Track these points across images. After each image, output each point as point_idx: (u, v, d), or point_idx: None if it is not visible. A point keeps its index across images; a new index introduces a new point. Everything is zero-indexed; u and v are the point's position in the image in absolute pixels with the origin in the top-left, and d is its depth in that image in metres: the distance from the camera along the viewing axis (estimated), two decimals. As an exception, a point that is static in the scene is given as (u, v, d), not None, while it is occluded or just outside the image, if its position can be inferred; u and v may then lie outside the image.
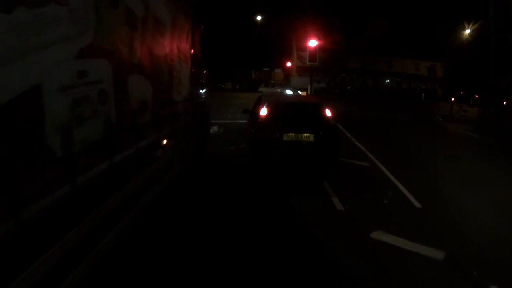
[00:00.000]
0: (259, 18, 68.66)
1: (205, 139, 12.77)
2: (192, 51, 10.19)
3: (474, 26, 55.15)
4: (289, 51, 76.33)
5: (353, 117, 26.45)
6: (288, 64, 76.73)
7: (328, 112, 10.81)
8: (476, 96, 38.15)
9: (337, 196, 9.41)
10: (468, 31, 57.05)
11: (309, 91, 23.35)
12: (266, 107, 10.68)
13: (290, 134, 10.01)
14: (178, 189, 8.89)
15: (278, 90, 49.59)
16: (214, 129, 18.75)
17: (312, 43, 21.07)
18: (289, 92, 21.80)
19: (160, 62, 7.18)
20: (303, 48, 65.39)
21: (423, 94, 56.25)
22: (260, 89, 51.63)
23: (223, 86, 69.85)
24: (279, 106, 11.04)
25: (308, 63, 21.83)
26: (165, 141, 7.91)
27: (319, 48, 21.75)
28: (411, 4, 62.70)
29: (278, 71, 78.94)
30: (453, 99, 29.98)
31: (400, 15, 63.71)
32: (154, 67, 6.69)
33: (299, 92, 25.31)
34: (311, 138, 10.05)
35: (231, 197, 9.31)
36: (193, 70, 10.11)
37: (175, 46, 8.23)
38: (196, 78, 10.85)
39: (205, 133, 12.89)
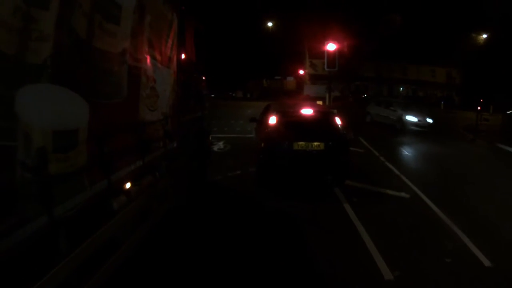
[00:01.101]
0: (270, 24, 66.07)
1: (203, 164, 10.54)
2: (182, 54, 8.09)
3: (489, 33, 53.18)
4: (302, 59, 74.18)
5: (374, 130, 24.02)
6: (301, 72, 74.31)
7: (338, 121, 10.65)
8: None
9: (380, 254, 6.78)
10: (484, 36, 54.96)
11: (327, 101, 20.45)
12: (275, 115, 10.44)
13: (300, 143, 9.85)
14: (153, 250, 6.33)
15: None
16: (219, 145, 16.36)
17: (331, 47, 18.36)
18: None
19: (108, 62, 4.71)
20: (316, 55, 64.86)
21: (442, 102, 53.15)
22: None
23: (234, 94, 68.57)
24: (288, 114, 10.74)
25: (326, 69, 18.86)
26: (128, 185, 5.45)
27: (338, 53, 18.86)
28: (427, 9, 60.25)
29: (290, 79, 76.79)
30: (479, 107, 27.11)
31: (415, 20, 61.36)
32: (91, 70, 4.32)
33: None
34: (321, 147, 9.90)
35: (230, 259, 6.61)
36: (181, 77, 7.92)
37: (145, 41, 5.85)
38: (188, 88, 8.77)
39: (204, 157, 10.62)
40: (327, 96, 20.62)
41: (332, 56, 18.90)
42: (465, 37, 57.12)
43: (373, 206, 9.31)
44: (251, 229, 7.87)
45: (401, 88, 72.46)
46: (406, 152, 17.00)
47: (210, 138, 11.97)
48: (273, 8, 67.31)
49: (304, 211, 8.80)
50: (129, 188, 5.42)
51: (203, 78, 10.70)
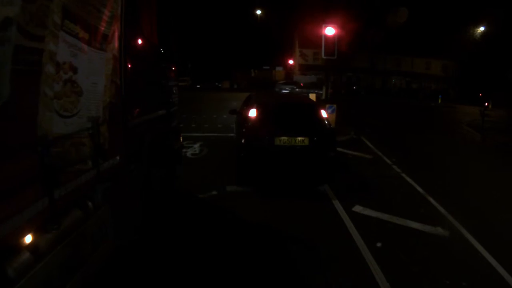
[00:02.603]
0: (258, 12, 63.33)
1: (168, 179, 8.23)
2: (134, 32, 5.87)
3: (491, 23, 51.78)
4: (291, 49, 71.98)
5: (376, 129, 21.17)
6: (290, 62, 72.08)
7: (324, 114, 10.10)
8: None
9: None
10: (482, 28, 53.48)
11: (323, 94, 17.67)
12: (255, 107, 9.77)
13: (283, 138, 9.11)
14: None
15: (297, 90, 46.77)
16: (195, 149, 13.43)
17: (329, 31, 15.60)
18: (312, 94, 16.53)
19: None
20: (307, 44, 62.82)
21: (440, 96, 51.30)
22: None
23: (220, 85, 67.00)
24: (270, 106, 10.09)
25: (323, 57, 16.10)
26: (31, 236, 3.47)
27: (338, 38, 16.10)
28: (424, 1, 58.34)
29: (279, 69, 74.77)
30: (486, 104, 26.72)
31: (411, 12, 59.51)
32: None
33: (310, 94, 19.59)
34: (306, 142, 9.17)
35: None
36: (130, 64, 5.53)
37: (53, 6, 3.70)
38: (145, 79, 6.49)
39: (170, 168, 8.33)
40: (323, 88, 17.72)
41: (331, 42, 16.21)
42: (462, 30, 55.73)
43: (402, 253, 6.44)
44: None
45: (393, 80, 70.49)
46: (419, 159, 14.18)
47: (181, 140, 9.40)
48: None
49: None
50: (35, 239, 3.47)
51: (172, 66, 8.06)
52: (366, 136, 17.12)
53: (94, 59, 4.45)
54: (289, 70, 73.74)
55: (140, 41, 6.11)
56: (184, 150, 12.64)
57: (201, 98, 39.24)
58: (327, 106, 16.38)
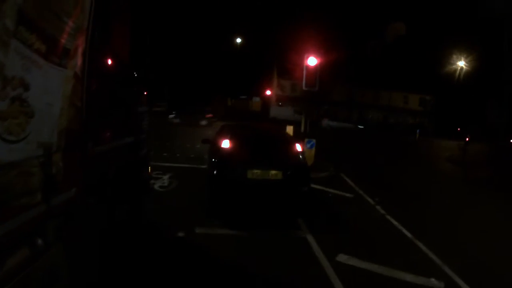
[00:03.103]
0: (238, 40, 63.30)
1: (135, 213, 7.53)
2: (103, 49, 5.24)
3: (469, 58, 52.57)
4: (269, 79, 71.90)
5: (355, 164, 20.62)
6: (268, 92, 71.96)
7: (298, 147, 9.91)
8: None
9: None
10: (462, 63, 54.24)
11: (302, 126, 17.07)
12: (228, 138, 9.55)
13: (256, 171, 8.87)
14: None
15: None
16: (164, 181, 12.47)
17: (311, 61, 15.10)
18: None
19: None
20: (285, 75, 62.81)
21: (418, 131, 51.69)
22: None
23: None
24: (243, 138, 9.97)
25: (304, 88, 15.61)
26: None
27: (320, 69, 15.61)
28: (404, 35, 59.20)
29: (256, 99, 74.54)
30: (467, 138, 26.91)
31: (391, 45, 60.37)
32: None
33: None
34: (279, 176, 8.95)
35: None
36: (94, 84, 4.80)
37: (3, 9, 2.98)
38: (112, 102, 5.85)
39: (136, 201, 7.59)
40: (302, 120, 17.11)
41: (312, 72, 15.61)
42: (440, 64, 56.31)
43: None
44: None
45: (369, 116, 70.79)
46: (403, 198, 13.41)
47: (150, 170, 8.54)
48: (241, 24, 65.06)
49: None
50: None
51: (144, 90, 7.41)
52: (346, 173, 16.40)
53: (51, 76, 3.82)
54: (266, 100, 73.27)
55: (108, 60, 5.46)
56: (152, 181, 11.80)
57: (175, 125, 38.51)
58: (305, 140, 15.74)
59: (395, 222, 9.94)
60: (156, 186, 11.63)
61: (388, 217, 10.40)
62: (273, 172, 8.94)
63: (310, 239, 8.18)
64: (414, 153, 30.86)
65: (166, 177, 12.87)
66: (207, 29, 64.17)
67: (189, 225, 8.33)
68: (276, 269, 6.76)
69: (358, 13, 58.87)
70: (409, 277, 6.71)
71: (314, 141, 15.90)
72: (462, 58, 52.76)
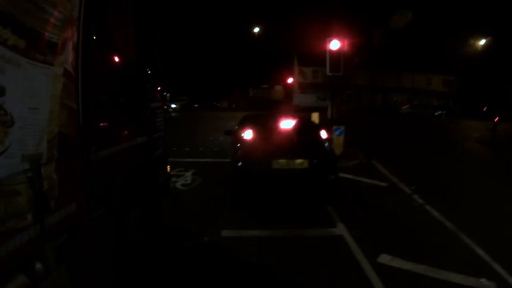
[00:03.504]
0: (257, 30, 62.43)
1: (149, 225, 6.78)
2: (101, 43, 4.64)
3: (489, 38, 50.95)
4: (290, 67, 70.93)
5: (385, 150, 19.60)
6: (290, 80, 71.00)
7: (323, 134, 9.83)
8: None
9: None
10: (483, 42, 52.55)
11: (329, 113, 16.28)
12: (251, 128, 9.48)
13: (281, 160, 8.53)
14: None
15: None
16: (186, 178, 11.90)
17: (334, 45, 14.31)
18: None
19: None
20: (306, 62, 61.81)
21: (444, 112, 50.39)
22: None
23: (218, 104, 66.11)
24: (267, 127, 9.88)
25: (328, 73, 14.82)
26: None
27: (343, 52, 14.83)
28: (422, 16, 57.50)
29: (278, 88, 73.74)
30: (496, 119, 24.83)
31: (411, 26, 58.73)
32: None
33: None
34: (305, 165, 8.60)
35: None
36: (92, 83, 4.21)
37: None
38: (112, 102, 5.06)
39: (153, 211, 6.95)
40: (329, 106, 16.31)
41: (335, 56, 14.83)
42: (463, 43, 54.68)
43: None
44: None
45: (394, 98, 69.31)
46: (440, 185, 12.33)
47: (169, 170, 7.91)
48: (261, 13, 64.14)
49: None
50: None
51: (156, 86, 6.80)
52: (377, 159, 15.60)
53: (33, 76, 3.29)
54: (287, 88, 72.45)
55: (111, 55, 4.86)
56: (174, 179, 11.24)
57: (197, 118, 38.05)
58: (333, 128, 15.04)
59: (435, 213, 9.13)
60: (178, 185, 11.08)
61: (427, 207, 9.60)
62: (299, 161, 8.64)
63: (347, 237, 7.51)
64: (442, 135, 29.71)
65: (188, 174, 12.30)
66: (225, 20, 63.56)
67: (214, 228, 7.72)
68: (312, 275, 6.10)
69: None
70: (458, 278, 5.98)
71: (342, 128, 15.14)
72: (484, 38, 51.23)
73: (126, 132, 5.45)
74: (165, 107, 8.83)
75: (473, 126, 33.96)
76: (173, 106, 53.41)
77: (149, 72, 6.56)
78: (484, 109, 41.07)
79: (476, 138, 25.59)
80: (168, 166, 7.79)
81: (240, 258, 6.61)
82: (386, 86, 67.38)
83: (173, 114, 41.82)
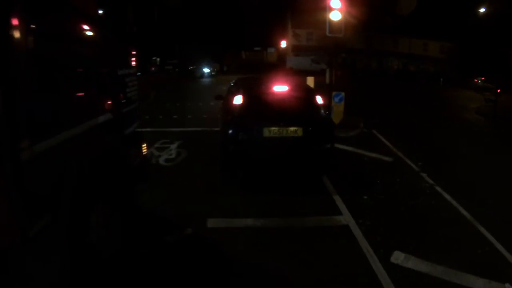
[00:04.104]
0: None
1: (120, 221, 5.57)
2: None
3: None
4: (283, 29, 69.26)
5: (385, 118, 18.45)
6: (283, 43, 69.50)
7: (319, 100, 8.90)
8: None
9: None
10: (483, 9, 51.34)
11: (327, 77, 15.02)
12: (241, 93, 8.57)
13: (273, 128, 7.94)
14: None
15: None
16: (171, 151, 10.75)
17: (335, 3, 12.91)
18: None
19: None
20: (300, 24, 60.13)
21: (441, 79, 49.51)
22: None
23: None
24: (258, 92, 8.96)
25: (328, 34, 13.52)
26: None
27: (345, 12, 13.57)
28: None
29: (271, 50, 72.18)
30: (498, 90, 24.42)
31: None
32: None
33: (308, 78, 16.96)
34: (299, 133, 8.01)
35: None
36: (19, 49, 3.01)
37: None
38: (54, 72, 3.72)
39: (125, 202, 5.75)
40: (327, 71, 15.04)
41: (336, 16, 13.48)
42: (461, 10, 53.49)
43: None
44: None
45: (391, 63, 68.18)
46: (447, 161, 11.30)
47: (145, 148, 6.71)
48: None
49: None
50: None
51: (129, 49, 5.56)
52: (378, 129, 14.57)
53: None
54: (281, 51, 70.86)
55: (47, 5, 3.61)
56: (157, 153, 10.25)
57: (188, 82, 36.77)
58: (333, 94, 13.96)
59: (447, 196, 8.14)
60: (161, 160, 9.97)
61: (438, 188, 8.60)
62: (292, 128, 8.04)
63: (354, 228, 6.47)
64: (442, 104, 28.64)
65: (174, 146, 11.18)
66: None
67: (200, 214, 6.66)
68: (313, 281, 5.05)
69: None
70: (481, 283, 5.05)
71: (343, 94, 14.04)
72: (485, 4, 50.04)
73: (78, 111, 4.21)
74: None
75: (470, 95, 33.36)
76: (206, 70, 51.58)
77: (115, 31, 5.31)
78: (482, 78, 40.08)
79: (476, 109, 24.84)
80: (145, 145, 6.57)
81: (227, 256, 5.55)
82: (382, 51, 65.99)
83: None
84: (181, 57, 61.93)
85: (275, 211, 7.05)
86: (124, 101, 5.51)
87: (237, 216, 6.75)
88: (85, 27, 4.48)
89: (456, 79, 53.44)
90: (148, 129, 12.92)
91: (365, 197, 7.94)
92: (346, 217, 6.84)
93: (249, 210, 6.99)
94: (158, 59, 74.93)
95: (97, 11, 4.84)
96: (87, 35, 4.53)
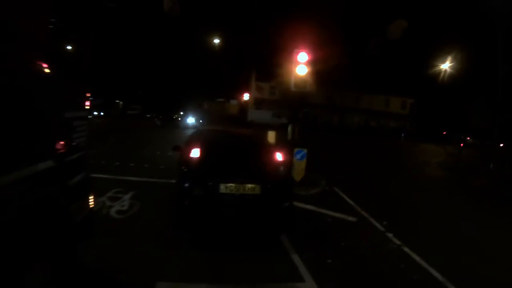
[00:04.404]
0: (216, 41, 60.79)
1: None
2: None
3: (454, 60, 51.23)
4: (247, 81, 69.83)
5: (347, 175, 18.24)
6: (246, 95, 69.85)
7: (279, 156, 8.58)
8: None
9: None
10: (446, 65, 52.81)
11: (289, 133, 14.63)
12: (199, 146, 8.27)
13: (230, 184, 7.45)
14: None
15: None
16: (123, 202, 9.98)
17: (302, 57, 12.74)
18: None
19: None
20: (264, 77, 60.59)
21: (402, 134, 50.65)
22: None
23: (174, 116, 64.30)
24: (216, 145, 8.67)
25: (293, 89, 13.28)
26: None
27: (312, 66, 13.38)
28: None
29: (233, 102, 72.44)
30: (461, 144, 26.64)
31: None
32: None
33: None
34: (257, 191, 7.57)
35: None
36: None
37: None
38: None
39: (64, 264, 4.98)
40: (289, 126, 14.64)
41: (302, 71, 13.24)
42: (423, 66, 55.05)
43: None
44: None
45: (353, 118, 69.23)
46: (412, 218, 11.04)
47: (92, 201, 5.95)
48: (218, 25, 62.76)
49: None
50: None
51: (80, 88, 4.99)
52: (340, 186, 14.19)
53: None
54: (243, 103, 71.07)
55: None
56: (109, 203, 9.58)
57: (148, 129, 36.07)
58: (295, 150, 13.57)
59: (416, 257, 7.75)
60: (113, 211, 9.22)
61: (406, 249, 8.21)
62: (250, 186, 7.63)
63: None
64: (404, 159, 28.95)
65: (127, 197, 10.43)
66: (183, 28, 61.95)
67: (149, 276, 5.96)
68: None
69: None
70: None
71: (305, 151, 13.64)
72: (447, 60, 51.47)
73: (10, 156, 3.58)
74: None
75: (432, 149, 33.69)
76: (191, 121, 49.17)
77: (65, 68, 4.74)
78: (443, 133, 41.02)
79: (440, 163, 25.16)
80: (92, 197, 5.86)
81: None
82: (343, 106, 66.87)
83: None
84: (165, 103, 60.51)
85: (231, 274, 6.42)
86: (68, 147, 4.85)
87: (190, 279, 6.07)
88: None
89: (416, 134, 54.62)
90: (103, 176, 12.29)
91: (329, 260, 7.33)
92: (309, 285, 6.23)
93: (203, 272, 6.35)
94: (121, 102, 74.15)
95: (47, 42, 4.30)
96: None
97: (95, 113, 49.30)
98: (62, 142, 4.60)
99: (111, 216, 8.90)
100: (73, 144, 4.99)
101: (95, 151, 17.59)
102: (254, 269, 6.69)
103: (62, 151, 4.60)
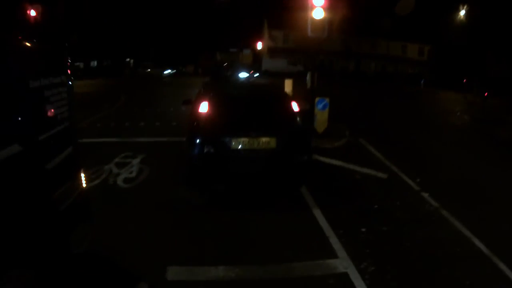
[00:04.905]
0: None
1: None
2: None
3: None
4: (260, 30, 68.19)
5: (370, 124, 17.27)
6: (259, 45, 68.36)
7: (295, 106, 8.03)
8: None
9: None
10: (463, 12, 51.17)
11: (308, 81, 13.72)
12: (210, 99, 7.76)
13: (242, 139, 7.14)
14: None
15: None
16: (131, 168, 9.21)
17: (318, 1, 11.55)
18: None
19: None
20: (277, 25, 58.90)
21: (422, 81, 49.12)
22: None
23: (184, 69, 63.67)
24: (226, 97, 8.20)
25: (309, 35, 12.17)
26: None
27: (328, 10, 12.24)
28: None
29: (247, 52, 70.67)
30: (485, 93, 25.81)
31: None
32: None
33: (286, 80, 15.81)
34: (272, 144, 7.21)
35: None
36: None
37: None
38: None
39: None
40: (308, 74, 13.71)
41: (319, 15, 12.15)
42: (441, 12, 53.28)
43: None
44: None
45: (370, 65, 67.53)
46: (448, 174, 10.00)
47: (83, 177, 5.02)
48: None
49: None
50: None
51: (57, 51, 4.04)
52: (365, 138, 13.26)
53: None
54: (257, 52, 69.51)
55: None
56: (117, 171, 8.86)
57: (161, 85, 35.28)
58: (317, 100, 12.65)
59: (457, 224, 6.84)
60: (119, 180, 8.46)
61: (445, 213, 7.30)
62: (265, 139, 7.29)
63: (355, 277, 5.02)
64: (425, 107, 27.46)
65: (136, 161, 9.66)
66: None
67: (159, 258, 5.21)
68: None
69: None
70: None
71: (327, 100, 12.72)
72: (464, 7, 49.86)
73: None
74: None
75: (452, 97, 32.69)
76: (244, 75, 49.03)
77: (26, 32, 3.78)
78: (464, 81, 39.45)
79: (462, 111, 23.76)
80: (83, 175, 4.96)
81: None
82: (360, 53, 65.09)
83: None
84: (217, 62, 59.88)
85: (252, 252, 5.63)
86: (40, 123, 3.90)
87: (205, 261, 5.26)
88: None
89: (435, 81, 53.00)
90: (111, 139, 11.77)
91: (363, 229, 6.48)
92: (343, 261, 5.38)
93: (220, 251, 5.57)
94: (131, 60, 73.12)
95: None
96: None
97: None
98: (30, 118, 3.65)
99: (118, 186, 8.16)
100: (48, 117, 4.05)
101: (103, 113, 17.01)
102: (278, 242, 5.93)
103: (32, 129, 3.67)
